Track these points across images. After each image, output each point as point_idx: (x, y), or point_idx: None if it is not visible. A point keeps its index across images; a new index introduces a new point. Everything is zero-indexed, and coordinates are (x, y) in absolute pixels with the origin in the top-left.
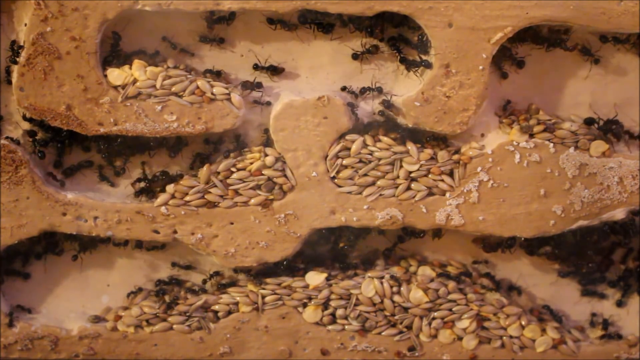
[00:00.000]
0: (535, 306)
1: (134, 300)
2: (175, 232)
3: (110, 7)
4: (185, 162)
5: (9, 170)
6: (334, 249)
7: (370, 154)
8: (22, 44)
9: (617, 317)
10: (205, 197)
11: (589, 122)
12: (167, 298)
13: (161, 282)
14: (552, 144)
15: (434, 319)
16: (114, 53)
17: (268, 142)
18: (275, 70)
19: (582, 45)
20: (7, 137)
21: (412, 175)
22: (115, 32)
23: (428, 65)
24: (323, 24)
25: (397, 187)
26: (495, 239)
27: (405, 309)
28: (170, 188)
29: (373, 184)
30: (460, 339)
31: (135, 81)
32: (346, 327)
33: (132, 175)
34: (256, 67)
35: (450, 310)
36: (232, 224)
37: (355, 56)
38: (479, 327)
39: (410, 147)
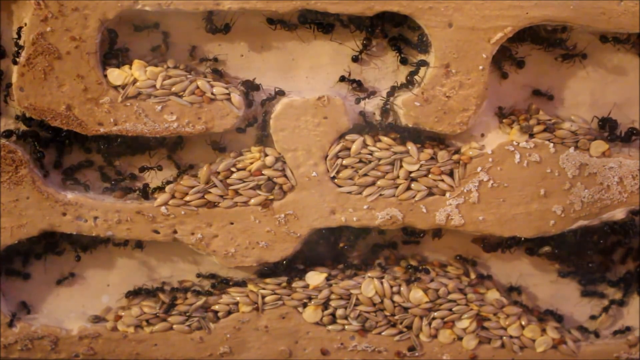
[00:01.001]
0: (535, 306)
1: (132, 301)
2: (175, 232)
3: (110, 7)
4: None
5: (9, 170)
6: (334, 249)
7: (370, 154)
8: (22, 43)
9: (617, 317)
10: (205, 197)
11: (602, 125)
12: (164, 297)
13: (131, 292)
14: (552, 144)
15: (434, 319)
16: (111, 52)
17: (263, 141)
18: (360, 85)
19: (563, 53)
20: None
21: (412, 175)
22: (111, 29)
23: (424, 64)
24: (323, 24)
25: (397, 187)
26: (495, 239)
27: (405, 309)
28: (170, 188)
29: (373, 184)
30: (460, 339)
31: (135, 81)
32: (346, 327)
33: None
34: (343, 79)
35: (450, 310)
36: (232, 224)
37: (355, 58)
38: (479, 327)
39: (410, 147)
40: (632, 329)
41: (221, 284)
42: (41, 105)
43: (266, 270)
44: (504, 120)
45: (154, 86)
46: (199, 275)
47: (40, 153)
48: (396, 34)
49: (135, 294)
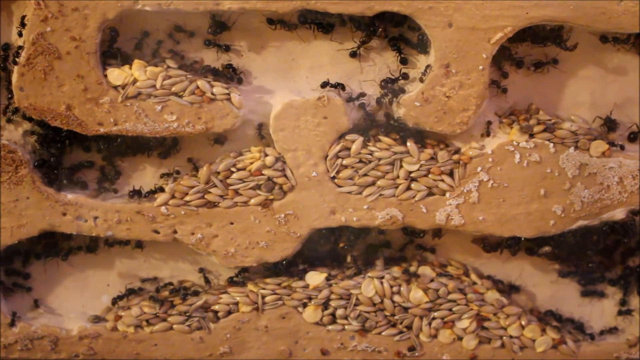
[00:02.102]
0: (535, 306)
1: (129, 302)
2: (175, 232)
3: (110, 7)
4: (178, 163)
5: (9, 170)
6: (334, 249)
7: (370, 154)
8: (21, 43)
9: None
10: (205, 197)
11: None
12: (163, 295)
13: (119, 297)
14: (552, 144)
15: (434, 319)
16: (110, 50)
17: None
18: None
19: (534, 62)
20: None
21: (412, 175)
22: (112, 28)
23: (406, 77)
24: (323, 24)
25: (397, 187)
26: (495, 239)
27: (405, 309)
28: (170, 188)
29: (373, 184)
30: (460, 339)
31: (135, 81)
32: (346, 327)
33: (133, 176)
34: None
35: (450, 310)
36: (232, 224)
37: (353, 54)
38: (479, 327)
39: (411, 147)
40: (618, 329)
41: (240, 275)
42: (41, 105)
43: (266, 271)
44: (504, 120)
45: (154, 86)
46: (201, 270)
47: (40, 153)
48: (396, 34)
49: (121, 298)
